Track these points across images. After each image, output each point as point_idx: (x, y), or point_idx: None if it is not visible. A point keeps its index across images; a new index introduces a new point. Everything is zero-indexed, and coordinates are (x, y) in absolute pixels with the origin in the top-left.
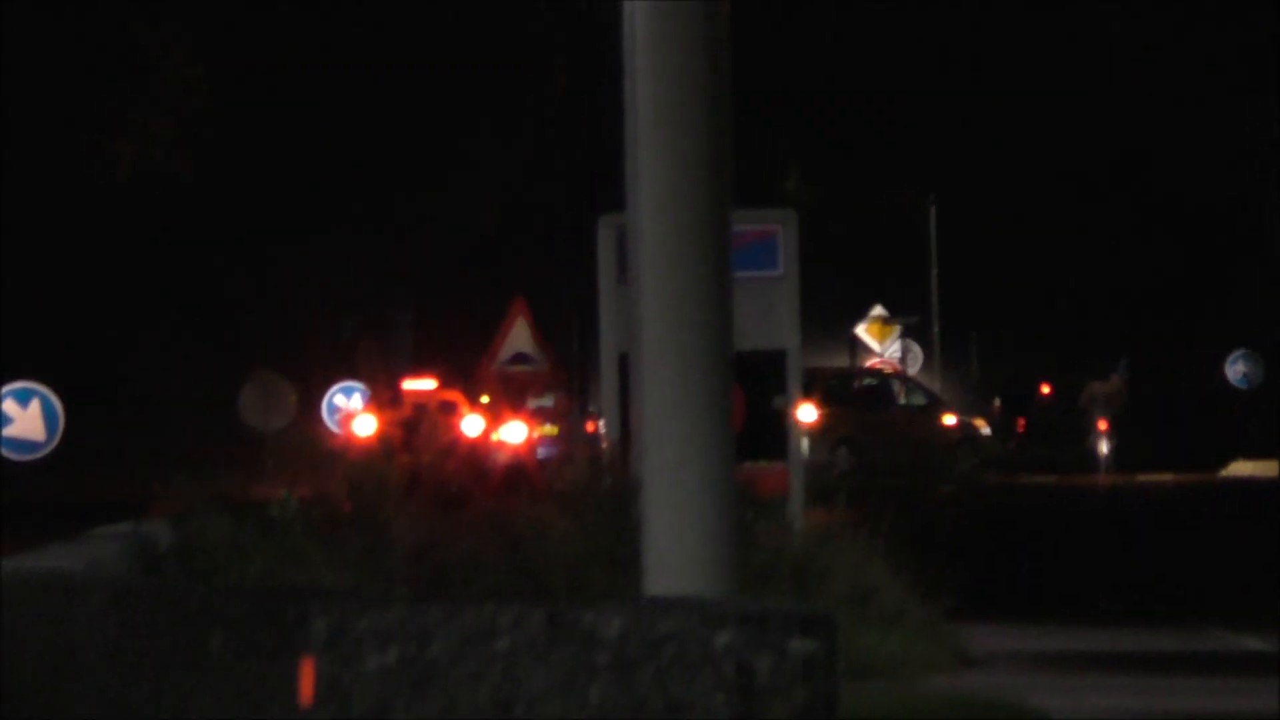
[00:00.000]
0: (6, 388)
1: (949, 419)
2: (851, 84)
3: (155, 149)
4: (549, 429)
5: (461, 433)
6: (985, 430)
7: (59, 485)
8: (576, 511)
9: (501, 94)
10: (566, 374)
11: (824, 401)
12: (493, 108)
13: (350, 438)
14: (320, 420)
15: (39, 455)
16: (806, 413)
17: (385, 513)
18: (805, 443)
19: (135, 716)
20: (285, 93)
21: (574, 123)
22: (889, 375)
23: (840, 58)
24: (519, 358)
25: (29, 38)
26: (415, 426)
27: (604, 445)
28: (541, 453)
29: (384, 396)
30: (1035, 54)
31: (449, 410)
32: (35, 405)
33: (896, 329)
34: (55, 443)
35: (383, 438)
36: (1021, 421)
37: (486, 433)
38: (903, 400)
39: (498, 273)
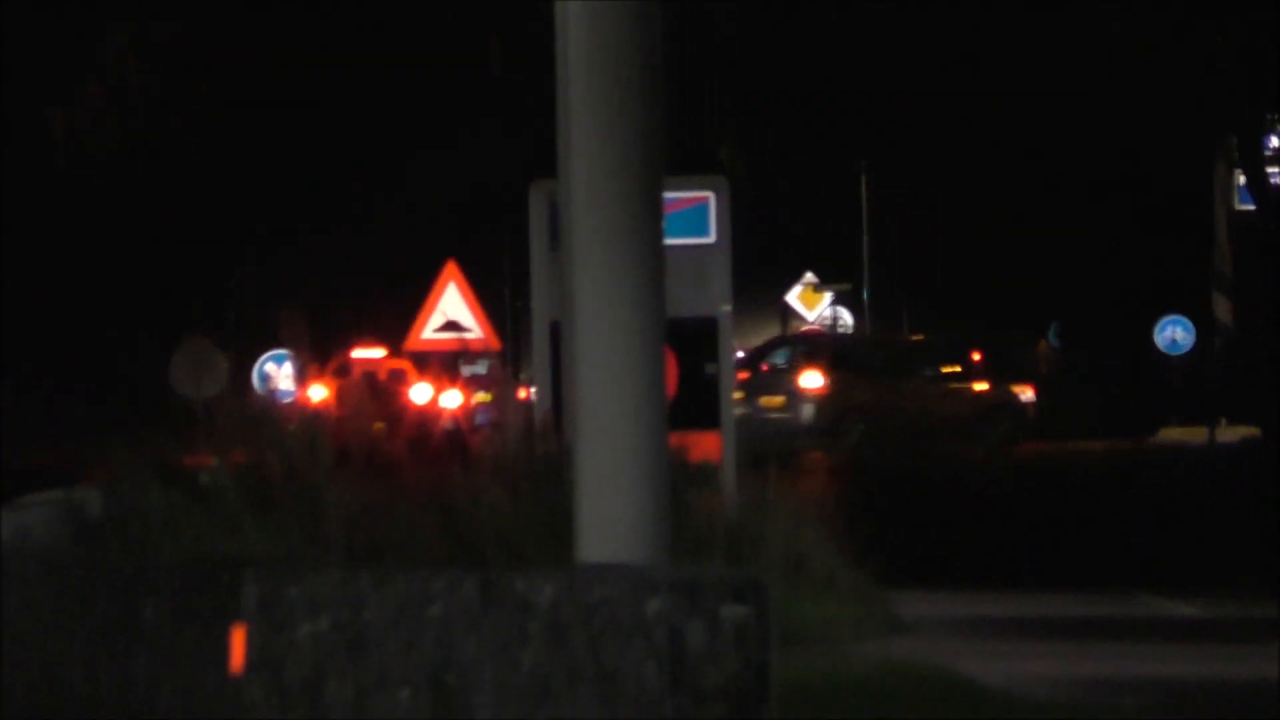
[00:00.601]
0: None
1: (980, 386)
2: (784, 50)
3: (86, 118)
4: (483, 396)
5: (410, 400)
6: (1027, 396)
7: None
8: (509, 480)
9: (434, 53)
10: (499, 341)
11: (834, 368)
12: (426, 67)
13: (305, 405)
14: (250, 388)
15: None
16: (811, 379)
17: (318, 480)
18: (811, 410)
19: (69, 685)
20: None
21: (507, 86)
22: (915, 341)
23: (772, 23)
24: (450, 325)
25: None
26: (364, 394)
27: (536, 413)
28: (479, 419)
29: (332, 365)
30: (967, 17)
31: (398, 378)
32: None
33: (827, 296)
34: None
35: (319, 406)
36: None
37: (434, 400)
38: (930, 369)
39: (432, 239)
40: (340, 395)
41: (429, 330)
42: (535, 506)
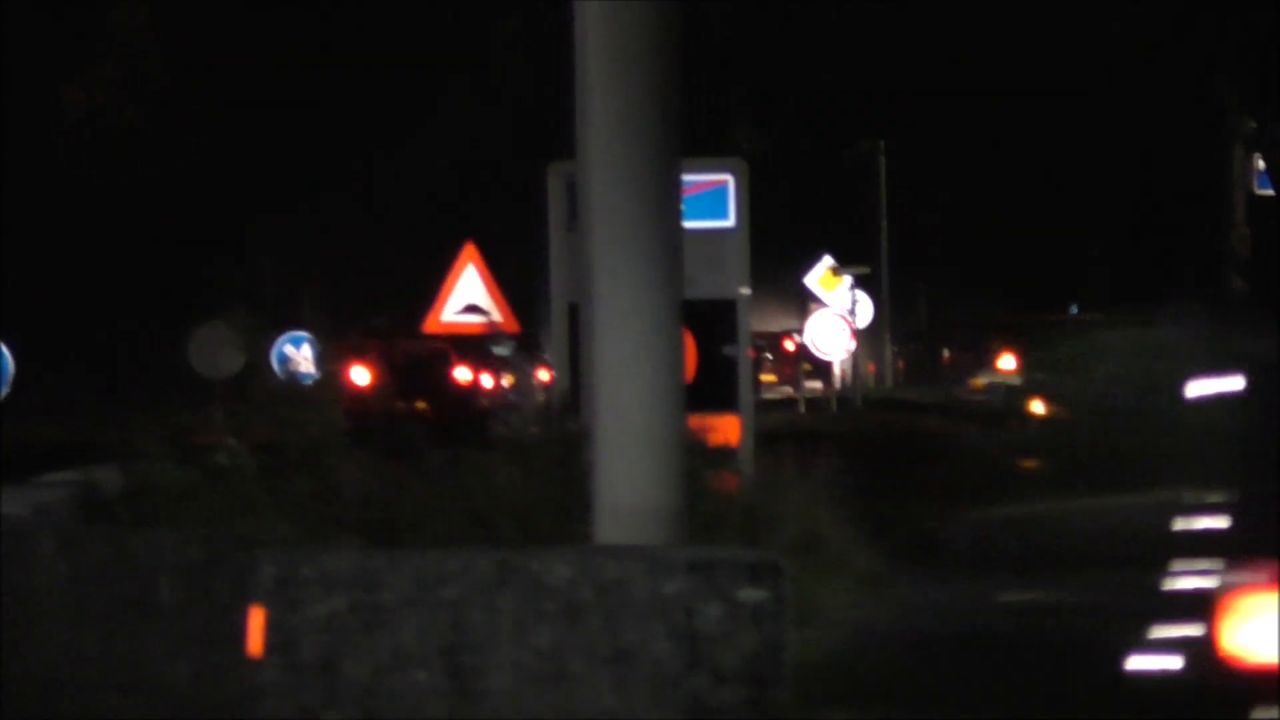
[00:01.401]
0: None
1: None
2: (801, 32)
3: (104, 96)
4: (509, 378)
5: (455, 379)
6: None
7: (13, 432)
8: (526, 459)
9: (452, 40)
10: (520, 322)
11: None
12: (444, 55)
13: (350, 386)
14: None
15: None
16: (1008, 362)
17: (333, 459)
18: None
19: (86, 662)
20: (239, 50)
21: (524, 67)
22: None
23: (790, 5)
24: (471, 308)
25: None
26: (409, 374)
27: (554, 393)
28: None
29: (375, 347)
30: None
31: (441, 359)
32: None
33: (846, 279)
34: (5, 391)
35: (364, 388)
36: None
37: (474, 380)
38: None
39: (450, 220)
40: (385, 376)
41: (448, 313)
42: (551, 486)
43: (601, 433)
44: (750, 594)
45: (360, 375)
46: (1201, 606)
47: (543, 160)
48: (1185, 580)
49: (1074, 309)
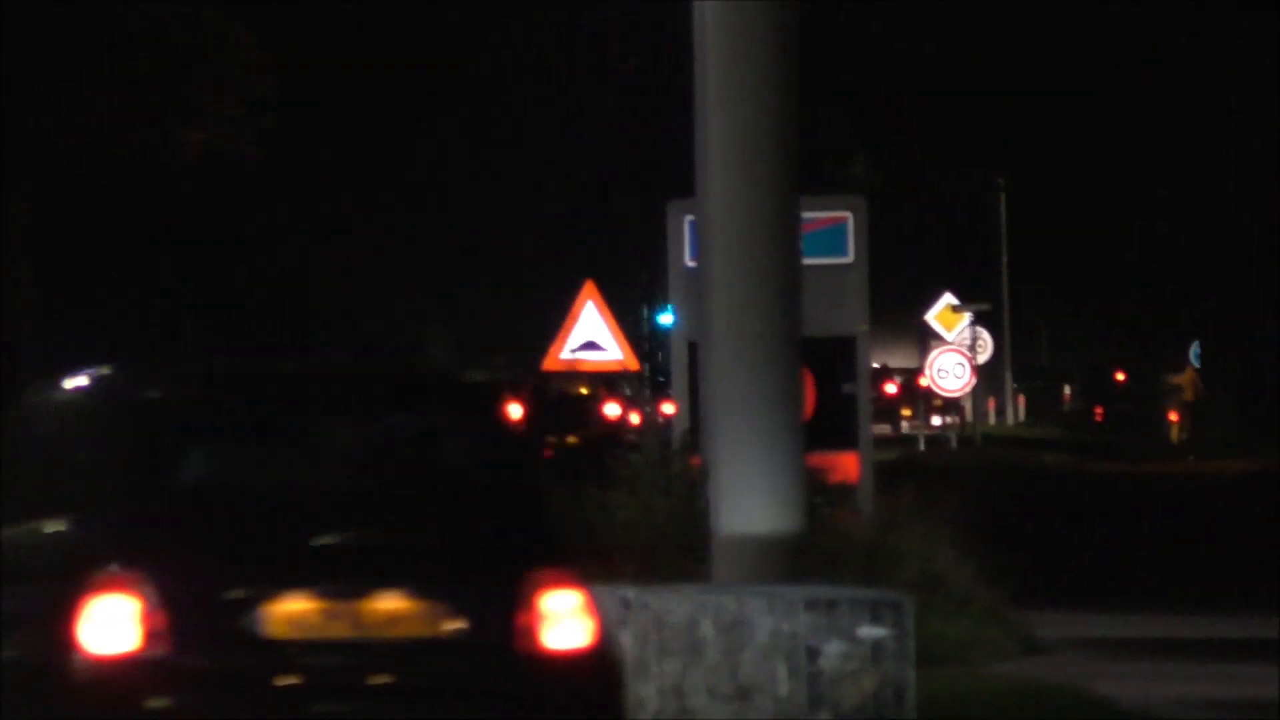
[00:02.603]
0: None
1: None
2: (920, 68)
3: (222, 135)
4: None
5: (604, 415)
6: None
7: None
8: (647, 496)
9: (574, 78)
10: (639, 360)
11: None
12: (565, 92)
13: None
14: None
15: None
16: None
17: None
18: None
19: None
20: (353, 77)
21: (645, 106)
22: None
23: (908, 40)
24: (589, 345)
25: (95, 23)
26: (561, 410)
27: (676, 431)
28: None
29: (526, 385)
30: (1107, 37)
31: (592, 397)
32: None
33: (966, 316)
34: None
35: (515, 424)
36: (1099, 410)
37: (623, 417)
38: None
39: (570, 258)
40: (537, 412)
41: (567, 350)
42: (672, 525)
43: (721, 469)
44: (871, 632)
45: (513, 411)
46: (61, 608)
47: (662, 198)
48: (55, 588)
49: (1195, 348)
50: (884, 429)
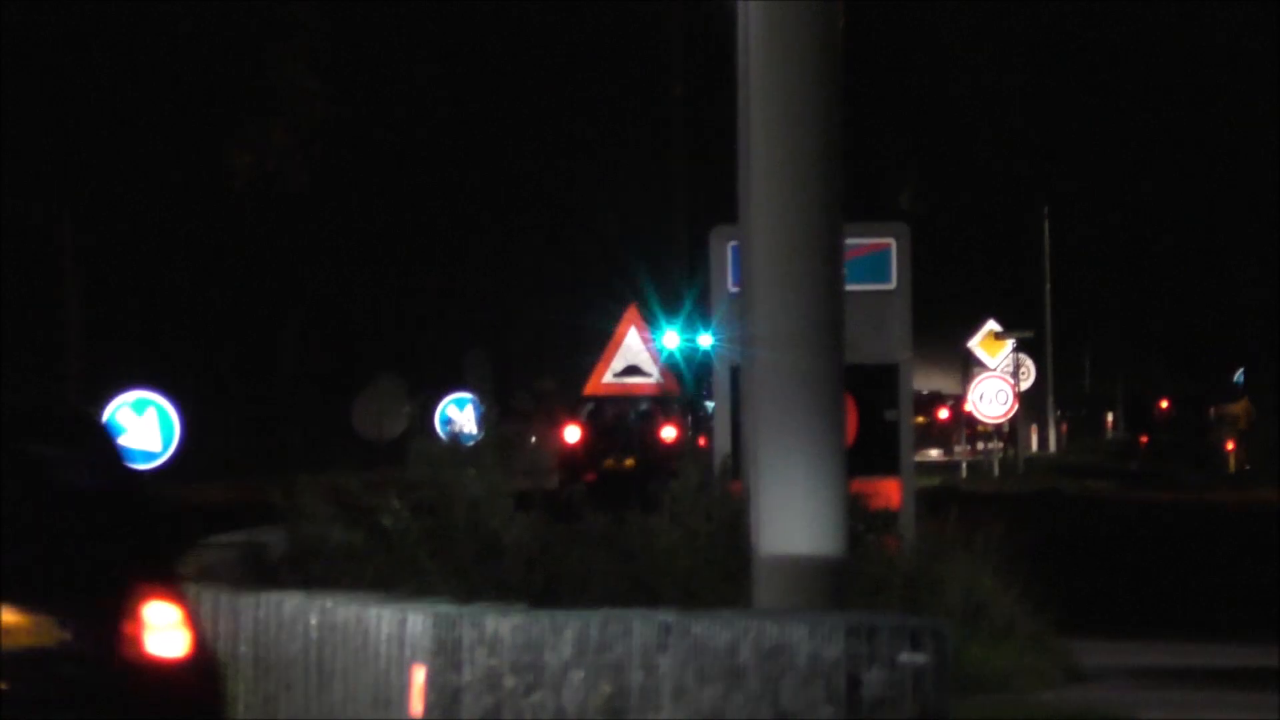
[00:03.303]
0: (122, 398)
1: None
2: (964, 97)
3: (271, 160)
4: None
5: (661, 438)
6: None
7: (180, 493)
8: (688, 522)
9: (619, 108)
10: (680, 384)
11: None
12: (610, 122)
13: (563, 445)
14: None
15: (155, 464)
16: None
17: (498, 521)
18: None
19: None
20: (403, 104)
21: (688, 133)
22: None
23: (952, 68)
24: (631, 370)
25: (147, 48)
26: (618, 432)
27: (717, 456)
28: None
29: (583, 409)
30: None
31: (649, 419)
32: (151, 415)
33: (1009, 343)
34: (171, 451)
35: (573, 446)
36: (1144, 438)
37: (679, 438)
38: None
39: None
40: (595, 435)
41: (610, 375)
42: (713, 550)
43: (763, 493)
44: (912, 659)
45: (571, 434)
46: None
47: (706, 224)
48: None
49: (1240, 375)
50: (935, 454)
